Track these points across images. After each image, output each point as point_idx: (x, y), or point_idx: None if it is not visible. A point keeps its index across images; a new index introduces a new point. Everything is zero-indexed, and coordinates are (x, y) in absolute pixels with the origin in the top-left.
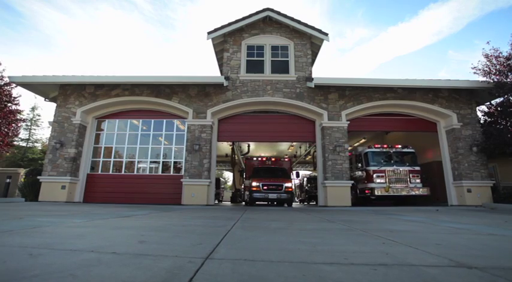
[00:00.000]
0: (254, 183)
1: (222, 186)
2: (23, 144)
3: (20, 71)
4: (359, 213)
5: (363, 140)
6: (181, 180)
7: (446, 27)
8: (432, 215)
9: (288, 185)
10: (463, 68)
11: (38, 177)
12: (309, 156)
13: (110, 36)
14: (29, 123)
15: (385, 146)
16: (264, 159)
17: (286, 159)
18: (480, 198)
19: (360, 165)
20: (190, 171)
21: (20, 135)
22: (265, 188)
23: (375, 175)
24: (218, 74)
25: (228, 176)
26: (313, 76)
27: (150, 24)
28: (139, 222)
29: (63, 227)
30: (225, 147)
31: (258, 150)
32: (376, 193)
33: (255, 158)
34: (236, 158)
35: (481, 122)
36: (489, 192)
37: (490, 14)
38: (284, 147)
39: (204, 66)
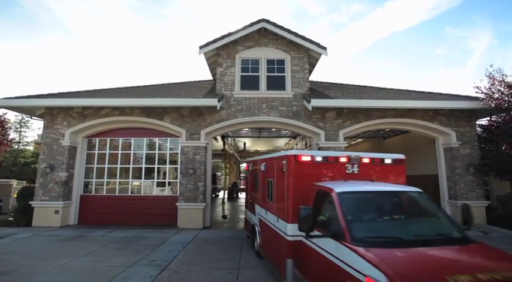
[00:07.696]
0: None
1: (219, 178)
2: (14, 146)
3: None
4: None
5: (360, 140)
6: (177, 204)
7: (444, 2)
8: None
9: None
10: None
11: (30, 202)
12: None
13: (97, 16)
14: (18, 126)
15: None
16: None
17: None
18: (475, 218)
19: None
20: (185, 194)
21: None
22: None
23: None
24: (210, 77)
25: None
26: (310, 79)
27: (138, 0)
28: None
29: None
30: (220, 144)
31: (254, 146)
32: None
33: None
34: (231, 151)
35: (481, 136)
36: (483, 212)
37: None
38: (280, 143)
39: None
